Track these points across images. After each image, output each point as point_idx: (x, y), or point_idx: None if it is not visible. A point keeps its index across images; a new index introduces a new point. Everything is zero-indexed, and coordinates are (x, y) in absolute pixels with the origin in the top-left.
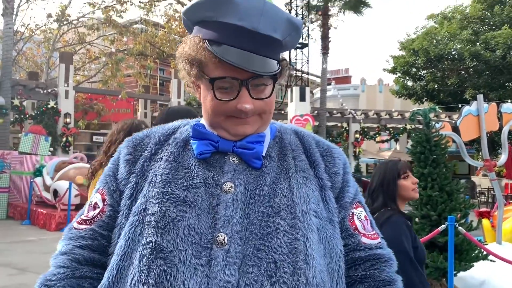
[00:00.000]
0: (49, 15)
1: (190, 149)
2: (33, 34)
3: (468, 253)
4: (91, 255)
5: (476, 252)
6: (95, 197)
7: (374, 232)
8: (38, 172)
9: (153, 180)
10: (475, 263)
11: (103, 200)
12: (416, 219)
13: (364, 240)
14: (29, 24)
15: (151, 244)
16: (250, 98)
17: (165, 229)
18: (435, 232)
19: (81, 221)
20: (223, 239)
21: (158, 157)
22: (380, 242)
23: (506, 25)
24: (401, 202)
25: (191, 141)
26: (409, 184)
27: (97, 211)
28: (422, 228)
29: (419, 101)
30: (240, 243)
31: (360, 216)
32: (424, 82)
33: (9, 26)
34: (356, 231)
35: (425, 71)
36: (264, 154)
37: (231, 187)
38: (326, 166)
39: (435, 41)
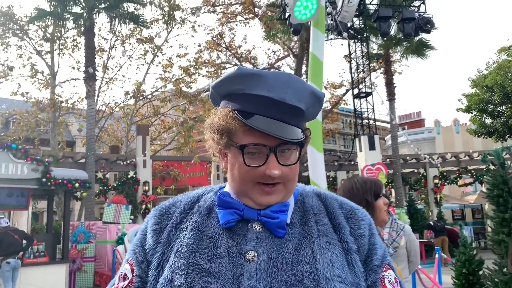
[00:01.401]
0: (127, 93)
1: (214, 217)
2: (113, 111)
3: None
4: None
5: None
6: (124, 267)
7: None
8: (120, 240)
9: (178, 250)
10: None
11: (132, 270)
12: (504, 270)
13: None
14: (109, 103)
15: None
16: (278, 164)
17: None
18: None
19: None
20: None
21: (183, 226)
22: None
23: None
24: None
25: (216, 209)
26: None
27: (126, 282)
28: (511, 279)
29: (501, 139)
30: None
31: (391, 279)
32: (504, 118)
33: (91, 107)
34: None
35: (503, 107)
36: (288, 221)
37: (254, 256)
38: (351, 229)
39: (510, 74)
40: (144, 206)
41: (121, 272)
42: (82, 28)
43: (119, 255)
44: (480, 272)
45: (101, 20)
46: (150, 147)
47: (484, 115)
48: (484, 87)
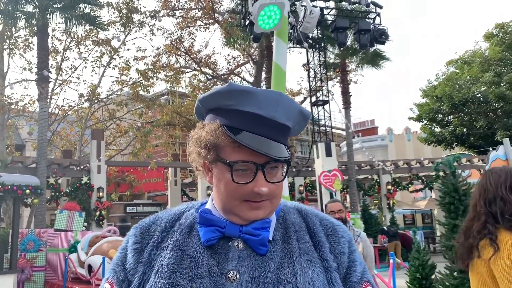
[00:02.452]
0: (81, 95)
1: (195, 235)
2: (67, 114)
3: None
4: None
5: None
6: (104, 287)
7: None
8: (73, 248)
9: (159, 270)
10: None
11: None
12: (455, 273)
13: None
14: (62, 106)
15: None
16: (266, 181)
17: None
18: None
19: None
20: None
21: (164, 245)
22: None
23: None
24: None
25: (197, 227)
26: None
27: None
28: (461, 283)
29: (449, 147)
30: None
31: None
32: (452, 127)
33: (43, 109)
34: None
35: (451, 116)
36: (270, 238)
37: (236, 275)
38: (331, 246)
39: (457, 86)
40: (98, 213)
41: None
42: (35, 28)
43: (71, 264)
44: (433, 276)
45: (56, 21)
46: (105, 152)
47: (434, 124)
48: (434, 98)
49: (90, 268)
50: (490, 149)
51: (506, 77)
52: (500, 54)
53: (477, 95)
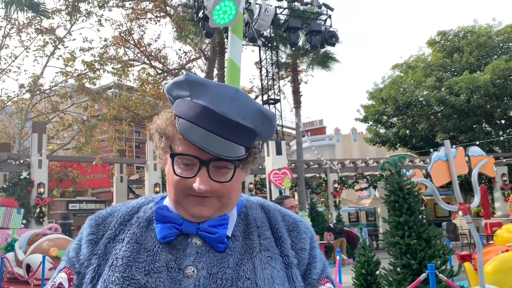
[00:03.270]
0: (22, 86)
1: (153, 230)
2: (5, 105)
3: None
4: None
5: None
6: (59, 276)
7: None
8: (10, 247)
9: (113, 263)
10: None
11: (70, 280)
12: (398, 269)
13: None
14: (1, 96)
15: None
16: (208, 179)
17: None
18: (417, 282)
19: None
20: None
21: (120, 238)
22: None
23: (466, 70)
24: None
25: (154, 224)
26: None
27: None
28: (404, 278)
29: (393, 148)
30: None
31: None
32: (396, 128)
33: None
34: None
35: (395, 118)
36: (229, 234)
37: (193, 271)
38: (292, 242)
39: (402, 89)
40: (38, 210)
41: (54, 282)
42: None
43: (8, 264)
44: (377, 272)
45: None
46: (47, 146)
47: (379, 125)
48: (379, 100)
49: (28, 267)
50: (431, 150)
51: (447, 82)
52: (441, 60)
53: (420, 99)
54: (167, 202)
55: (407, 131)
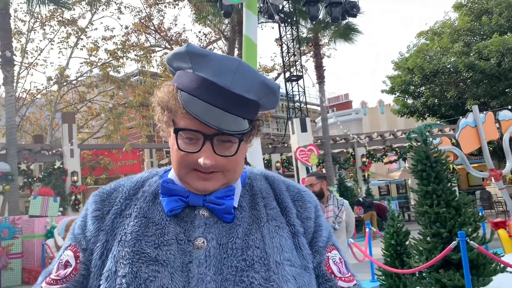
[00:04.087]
0: (49, 78)
1: (159, 203)
2: (35, 98)
3: (485, 268)
4: None
5: (494, 265)
6: (65, 254)
7: (349, 274)
8: (49, 234)
9: (122, 238)
10: (493, 277)
11: (76, 257)
12: (428, 238)
13: (341, 283)
14: (30, 90)
15: None
16: (213, 153)
17: None
18: (448, 250)
19: (51, 281)
20: None
21: (127, 213)
22: (356, 284)
23: (495, 33)
24: None
25: (160, 198)
26: None
27: (69, 269)
28: (434, 246)
29: (421, 118)
30: None
31: (335, 259)
32: (424, 98)
33: (10, 94)
34: (333, 275)
35: (423, 88)
36: (236, 205)
37: (203, 242)
38: (297, 211)
39: (428, 57)
40: (73, 197)
41: (60, 259)
42: None
43: (49, 250)
44: (407, 243)
45: (17, 0)
46: (77, 135)
47: (406, 96)
48: (405, 69)
49: None
50: (460, 117)
51: (475, 46)
52: (469, 24)
53: (448, 66)
54: (172, 175)
55: (436, 100)
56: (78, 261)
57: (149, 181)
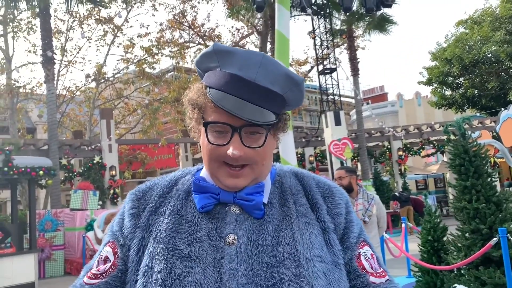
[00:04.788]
0: (87, 76)
1: (192, 201)
2: (74, 95)
3: None
4: None
5: None
6: (105, 250)
7: (381, 270)
8: (89, 227)
9: (157, 235)
10: None
11: (115, 253)
12: (466, 234)
13: (373, 279)
14: (69, 87)
15: None
16: (242, 145)
17: (172, 286)
18: (488, 246)
19: (92, 276)
20: None
21: (161, 211)
22: (388, 280)
23: None
24: None
25: (193, 195)
26: None
27: (108, 264)
28: (473, 243)
29: (460, 110)
30: None
31: (367, 255)
32: (463, 89)
33: (51, 91)
34: (364, 271)
35: (462, 78)
36: (266, 201)
37: (234, 239)
38: (328, 208)
39: (467, 47)
40: (112, 191)
41: (100, 255)
42: (37, 10)
43: (89, 242)
44: (444, 238)
45: (57, 1)
46: (115, 131)
47: (444, 87)
48: (443, 60)
49: None
50: (502, 109)
51: None
52: (511, 11)
53: (488, 55)
54: (204, 173)
55: (476, 91)
56: (116, 256)
57: (182, 180)
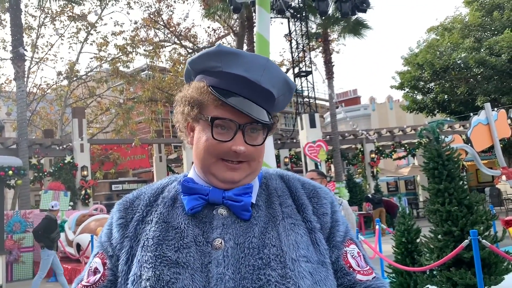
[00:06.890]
0: (59, 73)
1: (178, 207)
2: (45, 93)
3: (497, 266)
4: None
5: (506, 264)
6: (94, 262)
7: (368, 267)
8: (60, 228)
9: (145, 244)
10: (505, 276)
11: (104, 264)
12: (439, 236)
13: (360, 277)
14: (40, 84)
15: None
16: (244, 142)
17: None
18: (459, 248)
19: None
20: None
21: (148, 219)
22: (375, 277)
23: (507, 29)
24: None
25: (181, 196)
26: None
27: (98, 276)
28: (446, 245)
29: (431, 114)
30: None
31: (353, 253)
32: (433, 94)
33: (21, 89)
34: (351, 269)
35: (433, 83)
36: (254, 202)
37: (221, 243)
38: (313, 208)
39: (438, 52)
40: (83, 192)
41: (90, 266)
42: (7, 4)
43: (60, 244)
44: (418, 240)
45: None
46: (87, 130)
47: (416, 92)
48: (415, 65)
49: (78, 246)
50: (471, 114)
51: (486, 42)
52: (480, 19)
53: (458, 62)
54: (192, 175)
55: (446, 96)
56: (105, 267)
57: (168, 187)
